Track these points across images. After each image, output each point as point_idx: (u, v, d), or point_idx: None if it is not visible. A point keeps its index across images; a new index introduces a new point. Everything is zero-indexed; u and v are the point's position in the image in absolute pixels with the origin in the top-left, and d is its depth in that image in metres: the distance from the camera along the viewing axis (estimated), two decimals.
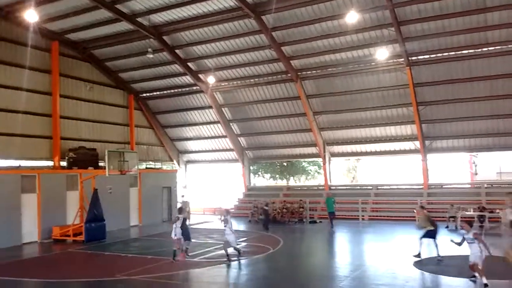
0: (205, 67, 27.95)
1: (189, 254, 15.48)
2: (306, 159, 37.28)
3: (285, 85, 27.57)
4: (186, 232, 15.23)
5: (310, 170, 40.98)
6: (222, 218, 15.27)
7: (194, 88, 30.00)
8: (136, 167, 23.80)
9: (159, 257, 15.75)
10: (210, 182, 38.07)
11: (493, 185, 25.98)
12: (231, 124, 31.35)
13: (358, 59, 24.71)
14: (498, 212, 21.43)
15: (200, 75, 28.81)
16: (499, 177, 26.76)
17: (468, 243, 11.15)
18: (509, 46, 21.93)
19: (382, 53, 23.20)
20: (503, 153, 25.95)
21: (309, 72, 26.61)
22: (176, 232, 14.90)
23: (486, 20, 21.04)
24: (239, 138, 32.12)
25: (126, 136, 30.26)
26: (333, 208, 23.37)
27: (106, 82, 29.29)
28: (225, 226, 14.81)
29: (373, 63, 24.66)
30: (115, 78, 29.83)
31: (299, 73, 26.69)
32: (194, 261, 14.86)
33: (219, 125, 31.22)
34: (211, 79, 27.96)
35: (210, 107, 30.44)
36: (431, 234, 14.86)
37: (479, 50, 22.59)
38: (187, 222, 16.10)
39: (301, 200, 26.87)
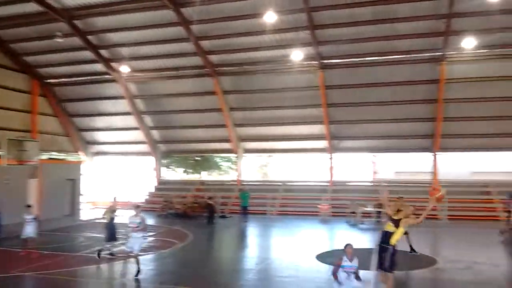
0: (119, 55, 26.89)
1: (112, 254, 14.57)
2: (219, 155, 37.49)
3: (202, 79, 27.41)
4: (112, 232, 14.41)
5: (223, 165, 41.27)
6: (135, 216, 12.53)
7: (106, 76, 28.74)
8: (37, 157, 22.29)
9: (57, 253, 14.97)
10: (120, 175, 36.78)
11: (391, 183, 28.05)
12: (144, 116, 30.53)
13: (275, 59, 25.25)
14: None
15: (113, 64, 27.65)
16: (397, 176, 28.93)
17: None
18: (413, 55, 23.78)
19: (297, 55, 24.00)
20: (402, 154, 28.12)
21: (227, 68, 26.74)
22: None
23: (393, 29, 22.56)
24: (152, 131, 31.41)
25: (28, 124, 28.22)
26: (247, 202, 23.76)
27: (8, 65, 27.08)
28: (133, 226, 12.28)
29: (288, 64, 25.40)
30: (19, 61, 27.66)
31: (216, 69, 26.71)
32: (94, 257, 14.22)
33: (131, 116, 30.24)
34: (124, 69, 26.97)
35: (123, 97, 29.39)
36: None
37: (386, 57, 24.23)
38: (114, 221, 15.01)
39: (211, 196, 26.86)
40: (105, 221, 14.61)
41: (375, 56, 24.25)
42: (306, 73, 25.72)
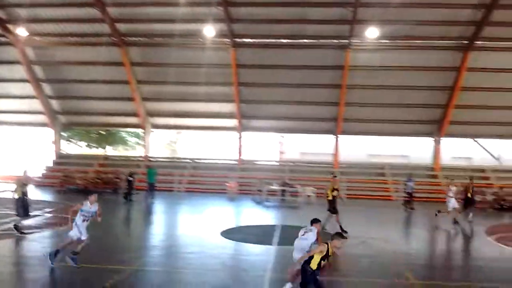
0: (17, 17, 24.49)
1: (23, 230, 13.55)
2: (126, 129, 36.12)
3: (109, 48, 25.99)
4: (25, 207, 13.38)
5: (129, 141, 39.82)
6: None
7: (2, 39, 26.11)
8: None
9: None
10: (15, 147, 33.94)
11: (296, 164, 29.16)
12: (42, 84, 28.29)
13: (187, 32, 24.69)
14: (297, 188, 24.18)
15: (9, 26, 25.18)
16: (302, 156, 30.08)
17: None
18: (321, 41, 24.63)
19: (209, 31, 23.66)
20: (307, 135, 29.28)
21: (136, 39, 25.63)
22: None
23: (305, 14, 23.15)
24: (51, 101, 29.24)
25: None
26: (154, 179, 23.20)
27: None
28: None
29: (201, 39, 24.97)
30: None
31: (125, 38, 25.46)
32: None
33: (28, 84, 27.85)
34: (22, 32, 24.68)
35: (19, 63, 26.92)
36: None
37: (296, 41, 24.83)
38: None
39: (132, 172, 25.69)
40: (16, 196, 13.43)
41: (286, 39, 24.76)
42: (219, 50, 25.52)
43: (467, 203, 18.35)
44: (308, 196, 23.89)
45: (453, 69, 24.92)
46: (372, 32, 22.93)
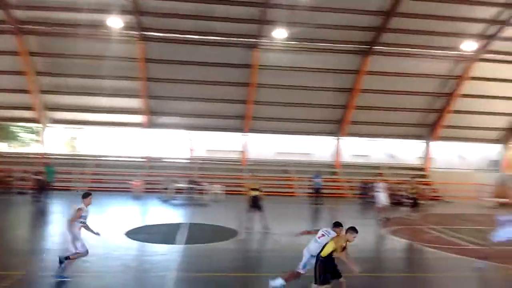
0: None
1: None
2: (20, 124, 33.30)
3: (3, 36, 23.85)
4: None
5: (24, 137, 36.74)
6: None
7: None
8: None
9: None
10: None
11: (205, 161, 29.05)
12: None
13: (92, 23, 23.47)
14: (205, 185, 24.14)
15: None
16: (210, 154, 29.98)
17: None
18: (230, 38, 24.75)
19: (116, 22, 22.69)
20: (215, 133, 29.29)
21: (35, 26, 23.79)
22: None
23: (213, 11, 23.09)
24: None
25: None
26: (51, 177, 21.66)
27: None
28: None
29: (106, 31, 23.85)
30: None
31: (22, 26, 23.52)
32: None
33: None
34: None
35: None
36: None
37: (205, 37, 24.70)
38: None
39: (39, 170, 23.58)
40: None
41: (195, 35, 24.54)
42: (126, 43, 24.62)
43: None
44: (216, 193, 23.96)
45: (353, 72, 26.47)
46: (280, 33, 23.56)
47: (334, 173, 28.70)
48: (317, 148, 30.40)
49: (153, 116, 27.66)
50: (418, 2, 22.66)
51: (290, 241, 13.88)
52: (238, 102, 27.31)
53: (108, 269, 10.20)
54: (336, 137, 29.28)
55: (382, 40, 24.93)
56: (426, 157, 30.07)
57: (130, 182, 24.48)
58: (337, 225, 8.65)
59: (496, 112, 29.13)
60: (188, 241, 13.32)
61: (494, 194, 27.85)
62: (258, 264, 11.72)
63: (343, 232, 8.42)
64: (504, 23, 23.75)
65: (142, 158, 28.03)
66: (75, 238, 9.14)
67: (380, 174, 28.66)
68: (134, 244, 13.07)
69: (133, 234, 14.12)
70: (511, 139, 30.01)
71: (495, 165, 28.02)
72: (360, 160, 30.79)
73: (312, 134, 29.65)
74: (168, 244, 12.97)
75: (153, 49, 24.93)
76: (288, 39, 24.54)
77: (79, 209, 9.19)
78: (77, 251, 9.15)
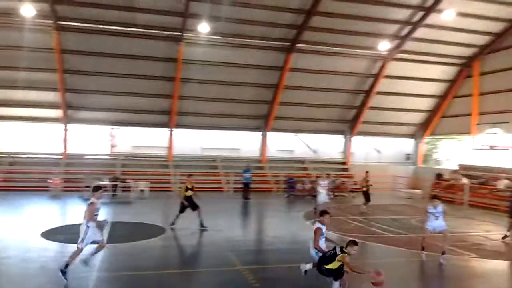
0: None
1: None
2: None
3: None
4: None
5: None
6: None
7: None
8: None
9: None
10: None
11: (128, 157, 28.17)
12: None
13: (2, 11, 21.74)
14: (130, 182, 23.43)
15: None
16: (134, 150, 29.14)
17: None
18: (153, 31, 24.15)
19: (28, 10, 21.19)
20: (140, 128, 28.45)
21: None
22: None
23: (135, 2, 22.36)
24: None
25: None
26: None
27: None
28: None
29: (18, 19, 22.19)
30: None
31: None
32: None
33: None
34: None
35: None
36: None
37: (127, 29, 23.89)
38: None
39: None
40: None
41: (117, 26, 23.66)
42: (40, 32, 23.07)
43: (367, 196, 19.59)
44: (141, 190, 23.37)
45: (277, 69, 26.96)
46: (204, 27, 23.34)
47: (260, 168, 29.10)
48: (244, 143, 30.66)
49: (72, 111, 26.28)
50: (337, 2, 23.51)
51: (217, 237, 13.91)
52: (164, 97, 26.77)
53: (25, 271, 9.58)
54: (262, 132, 29.70)
55: (304, 38, 25.62)
56: (347, 151, 31.44)
57: (48, 180, 23.11)
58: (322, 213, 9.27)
59: (410, 109, 31.14)
60: (111, 240, 12.82)
61: (408, 185, 29.88)
62: (185, 261, 11.59)
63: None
64: (416, 24, 25.40)
65: (60, 155, 26.53)
66: (90, 232, 9.16)
67: (304, 169, 29.56)
68: (52, 245, 12.39)
69: (51, 234, 13.38)
70: (423, 134, 32.21)
71: (409, 158, 29.95)
72: (285, 155, 31.52)
73: (239, 130, 29.83)
74: (89, 244, 12.40)
75: (70, 39, 23.63)
76: (212, 33, 24.38)
77: (92, 204, 9.16)
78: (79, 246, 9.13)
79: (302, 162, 30.71)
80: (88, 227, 9.18)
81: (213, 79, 26.48)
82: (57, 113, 26.00)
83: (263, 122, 29.31)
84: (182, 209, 15.05)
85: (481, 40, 27.26)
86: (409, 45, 27.10)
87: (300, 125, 30.32)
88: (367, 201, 19.77)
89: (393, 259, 12.06)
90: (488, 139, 19.22)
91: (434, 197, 12.82)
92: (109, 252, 11.70)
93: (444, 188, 25.26)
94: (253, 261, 11.80)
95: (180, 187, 15.35)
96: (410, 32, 25.93)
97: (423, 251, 11.73)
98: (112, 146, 28.80)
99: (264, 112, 28.98)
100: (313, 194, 25.36)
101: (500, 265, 11.99)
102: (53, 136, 27.16)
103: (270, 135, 29.83)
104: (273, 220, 17.40)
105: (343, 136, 31.66)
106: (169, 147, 27.94)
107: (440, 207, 12.01)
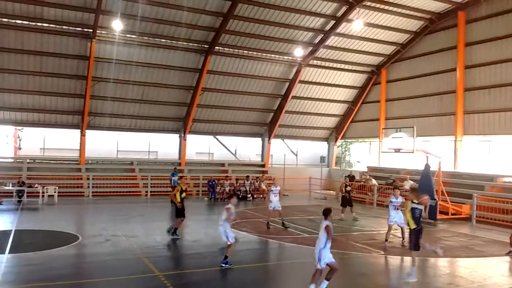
0: None
1: None
2: None
3: None
4: None
5: None
6: None
7: None
8: None
9: None
10: None
11: (36, 161, 26.33)
12: None
13: None
14: (37, 187, 21.93)
15: None
16: (42, 152, 27.31)
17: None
18: (63, 27, 22.84)
19: None
20: (48, 129, 26.69)
21: None
22: None
23: None
24: None
25: None
26: None
27: None
28: None
29: None
30: None
31: None
32: None
33: None
34: None
35: None
36: None
37: (33, 24, 22.36)
38: None
39: None
40: None
41: (22, 20, 22.06)
42: None
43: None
44: (50, 195, 21.96)
45: (196, 71, 26.77)
46: (117, 25, 22.46)
47: (180, 171, 28.63)
48: (162, 146, 30.03)
49: None
50: (254, 7, 23.88)
51: (132, 243, 13.44)
52: (75, 96, 25.35)
53: None
54: (181, 135, 29.26)
55: (222, 41, 25.73)
56: (265, 154, 32.01)
57: None
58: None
59: (324, 113, 32.51)
60: (15, 250, 11.90)
61: (323, 187, 31.13)
62: (100, 270, 11.03)
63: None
64: (328, 32, 26.55)
65: None
66: (227, 232, 10.85)
67: (224, 171, 29.58)
68: None
69: None
70: (336, 137, 33.75)
71: (324, 161, 31.19)
72: (205, 158, 31.36)
73: (157, 132, 29.14)
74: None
75: None
76: (128, 32, 23.64)
77: (228, 208, 10.98)
78: (229, 243, 10.79)
79: (222, 164, 30.74)
80: (225, 225, 10.89)
81: (130, 79, 25.63)
82: None
83: (181, 124, 28.90)
84: (182, 213, 14.51)
85: (388, 49, 29.22)
86: (323, 52, 28.30)
87: (219, 128, 30.38)
88: (347, 206, 19.13)
89: (309, 259, 12.44)
90: (394, 142, 20.48)
91: (395, 187, 13.70)
92: (15, 262, 10.87)
93: (355, 189, 26.62)
94: (172, 267, 11.58)
95: (176, 190, 14.59)
96: (322, 40, 27.06)
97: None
98: (17, 149, 26.73)
99: (183, 114, 28.59)
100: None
101: (407, 261, 12.88)
102: None
103: (189, 138, 29.47)
104: (193, 224, 17.18)
105: (261, 138, 32.20)
106: (81, 149, 26.48)
107: (400, 198, 12.78)
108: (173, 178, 23.32)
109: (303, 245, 13.73)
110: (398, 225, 14.14)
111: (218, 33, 24.96)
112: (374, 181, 25.91)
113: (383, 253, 13.13)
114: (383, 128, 27.10)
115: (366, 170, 29.15)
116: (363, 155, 34.29)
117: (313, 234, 15.29)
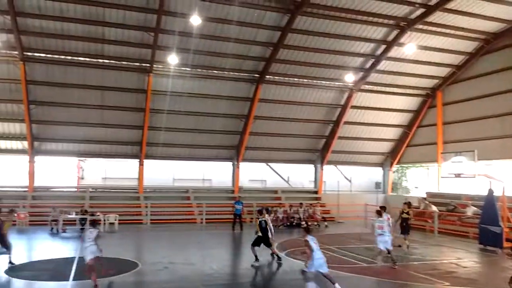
0: None
1: None
2: None
3: None
4: None
5: None
6: None
7: None
8: None
9: None
10: None
11: (97, 190, 27.52)
12: None
13: None
14: (99, 215, 22.83)
15: None
16: (103, 182, 28.58)
17: None
18: (122, 62, 24.16)
19: None
20: (108, 159, 27.98)
21: None
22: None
23: (103, 33, 22.44)
24: None
25: None
26: None
27: None
28: None
29: None
30: None
31: None
32: None
33: None
34: None
35: None
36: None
37: (95, 60, 23.80)
38: None
39: None
40: None
41: (84, 57, 23.55)
42: (5, 63, 22.76)
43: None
44: (111, 223, 22.78)
45: (247, 99, 27.26)
46: (173, 59, 23.47)
47: (234, 199, 28.89)
48: (216, 173, 30.54)
49: (38, 142, 25.63)
50: (303, 36, 24.18)
51: (189, 271, 13.63)
52: (134, 128, 26.49)
53: None
54: (234, 163, 29.66)
55: (273, 70, 26.11)
56: (318, 180, 31.70)
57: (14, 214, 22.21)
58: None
59: (378, 138, 31.89)
60: (79, 277, 12.39)
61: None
62: None
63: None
64: (379, 57, 26.32)
65: (25, 187, 25.64)
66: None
67: (277, 198, 29.55)
68: (17, 282, 11.83)
69: (16, 271, 12.79)
70: (392, 163, 32.91)
71: (379, 187, 30.40)
72: (258, 185, 31.51)
73: (210, 160, 29.73)
74: (58, 281, 11.97)
75: (36, 70, 23.37)
76: (182, 65, 24.61)
77: (307, 241, 10.70)
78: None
79: (275, 191, 30.73)
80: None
81: (184, 110, 26.50)
82: (22, 144, 25.32)
83: (234, 152, 29.34)
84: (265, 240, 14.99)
85: (443, 71, 28.47)
86: (374, 76, 28.00)
87: (272, 155, 30.51)
88: (405, 233, 18.23)
89: None
90: (454, 167, 19.72)
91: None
92: None
93: (414, 216, 25.67)
94: None
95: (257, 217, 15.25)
96: (374, 65, 26.84)
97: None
98: (80, 179, 28.12)
99: (236, 142, 29.05)
100: (286, 223, 25.64)
101: None
102: (19, 169, 26.33)
103: (242, 165, 29.80)
104: (248, 252, 17.20)
105: (314, 165, 31.98)
106: (140, 178, 27.45)
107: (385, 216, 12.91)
108: (237, 206, 23.75)
109: (360, 275, 13.34)
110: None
111: (269, 62, 25.41)
112: (434, 208, 24.89)
113: (447, 283, 12.50)
114: (441, 153, 26.18)
115: (424, 196, 28.08)
116: (421, 180, 33.11)
117: (372, 263, 14.88)
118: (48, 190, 26.70)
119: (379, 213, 14.98)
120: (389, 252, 14.43)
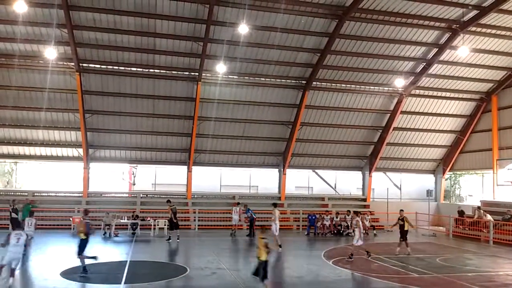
0: None
1: None
2: None
3: None
4: None
5: None
6: None
7: None
8: None
9: None
10: None
11: (148, 195, 28.29)
12: None
13: (26, 53, 22.81)
14: (149, 220, 23.46)
15: None
16: (153, 188, 29.34)
17: None
18: (172, 72, 24.82)
19: (51, 53, 21.97)
20: (159, 166, 28.76)
21: None
22: None
23: (154, 44, 23.17)
24: None
25: None
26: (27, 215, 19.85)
27: None
28: None
29: (41, 62, 23.14)
30: None
31: None
32: None
33: None
34: None
35: None
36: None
37: (146, 70, 24.59)
38: None
39: None
40: None
41: (136, 67, 24.39)
42: (62, 74, 23.95)
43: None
44: (161, 228, 23.33)
45: (294, 106, 27.20)
46: (221, 67, 23.86)
47: (282, 205, 28.87)
48: (262, 180, 30.60)
49: (92, 150, 26.74)
50: (351, 41, 23.93)
51: (235, 277, 13.71)
52: (182, 135, 27.10)
53: None
54: (280, 169, 29.63)
55: (320, 76, 25.94)
56: (366, 187, 31.05)
57: (70, 218, 23.30)
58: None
59: (429, 144, 30.88)
60: (130, 280, 12.76)
61: (431, 222, 29.19)
62: None
63: None
64: (430, 61, 25.54)
65: (79, 193, 26.78)
66: None
67: (324, 205, 29.22)
68: (71, 285, 12.34)
69: (71, 274, 13.35)
70: (444, 170, 31.73)
71: (431, 194, 29.36)
72: (304, 192, 31.29)
73: (257, 167, 29.83)
74: (110, 284, 12.40)
75: (91, 81, 24.43)
76: (229, 73, 24.96)
77: None
78: None
79: (321, 199, 30.40)
80: None
81: (231, 117, 26.83)
82: (78, 152, 26.49)
83: (281, 159, 29.32)
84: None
85: (498, 75, 27.24)
86: (425, 81, 27.19)
87: (318, 162, 30.24)
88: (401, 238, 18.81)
89: None
90: (510, 174, 18.73)
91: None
92: None
93: (468, 225, 24.61)
94: None
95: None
96: (425, 69, 26.07)
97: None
98: (131, 184, 29.02)
99: (282, 149, 29.03)
100: (333, 231, 25.29)
101: None
102: (74, 175, 27.55)
103: (289, 172, 29.71)
104: (294, 259, 17.10)
105: (362, 172, 31.38)
106: (188, 185, 28.00)
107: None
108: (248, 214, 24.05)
109: (411, 285, 12.91)
110: None
111: (315, 68, 25.28)
112: (489, 217, 23.74)
113: None
114: (497, 159, 24.98)
115: (479, 204, 26.83)
116: (475, 188, 31.68)
117: (423, 274, 14.39)
118: (102, 196, 27.74)
119: None
120: None
